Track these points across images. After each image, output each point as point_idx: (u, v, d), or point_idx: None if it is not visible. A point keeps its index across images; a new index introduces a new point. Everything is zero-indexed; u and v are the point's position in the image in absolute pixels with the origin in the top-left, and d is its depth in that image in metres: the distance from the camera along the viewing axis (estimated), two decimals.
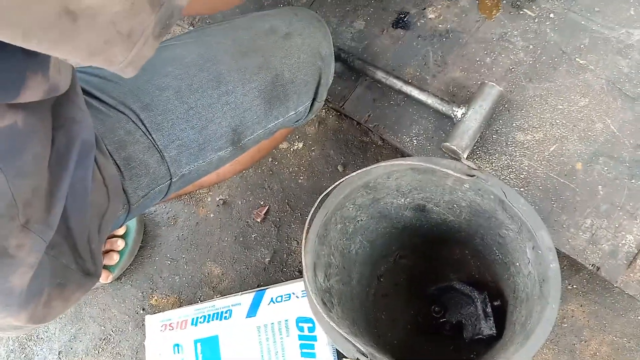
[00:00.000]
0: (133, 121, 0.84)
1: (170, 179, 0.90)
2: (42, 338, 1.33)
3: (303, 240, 0.89)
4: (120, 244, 1.27)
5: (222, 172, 1.11)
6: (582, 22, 1.13)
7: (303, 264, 0.88)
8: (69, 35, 0.48)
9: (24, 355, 1.32)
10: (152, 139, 0.85)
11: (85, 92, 0.83)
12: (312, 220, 0.91)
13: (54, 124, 0.67)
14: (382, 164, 0.91)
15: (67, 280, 0.76)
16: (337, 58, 1.22)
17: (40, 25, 0.46)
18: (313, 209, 0.89)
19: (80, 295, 0.81)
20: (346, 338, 0.82)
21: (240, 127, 0.92)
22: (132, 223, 1.30)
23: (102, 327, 1.30)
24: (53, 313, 0.78)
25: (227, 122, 0.90)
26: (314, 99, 1.01)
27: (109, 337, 1.29)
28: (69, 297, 0.78)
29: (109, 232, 0.85)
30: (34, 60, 0.56)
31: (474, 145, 1.09)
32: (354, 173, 0.92)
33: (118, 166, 0.82)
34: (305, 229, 0.89)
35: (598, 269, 0.98)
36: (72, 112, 0.70)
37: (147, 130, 0.84)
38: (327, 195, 0.92)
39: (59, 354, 1.30)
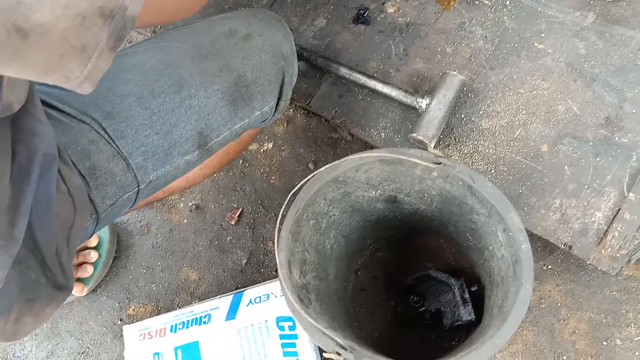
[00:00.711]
0: (95, 130, 0.83)
1: (138, 186, 0.89)
2: (18, 356, 1.31)
3: (275, 239, 0.89)
4: (93, 255, 1.25)
5: (192, 177, 1.11)
6: (538, 9, 1.15)
7: (277, 262, 0.88)
8: (21, 53, 0.47)
9: None
10: (116, 147, 0.84)
11: (45, 103, 0.82)
12: (283, 218, 0.91)
13: (14, 137, 0.67)
14: (350, 157, 0.92)
15: (37, 295, 0.75)
16: (300, 57, 1.22)
17: None
18: (284, 206, 0.89)
19: (52, 310, 0.80)
20: (324, 333, 0.82)
21: (206, 130, 0.92)
22: (105, 234, 1.28)
23: (80, 341, 1.29)
24: (25, 330, 0.77)
25: (192, 126, 0.90)
26: (279, 98, 1.01)
27: (87, 350, 1.28)
28: (39, 312, 0.77)
29: (78, 244, 0.84)
30: None
31: (441, 135, 1.11)
32: (323, 168, 0.92)
33: (83, 176, 0.81)
34: (277, 227, 0.89)
35: (570, 247, 1.00)
36: (31, 124, 0.69)
37: (111, 138, 0.84)
38: (298, 192, 0.92)
39: None
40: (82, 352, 1.28)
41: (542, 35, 1.13)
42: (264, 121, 1.02)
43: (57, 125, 0.80)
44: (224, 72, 0.91)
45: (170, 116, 0.88)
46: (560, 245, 1.00)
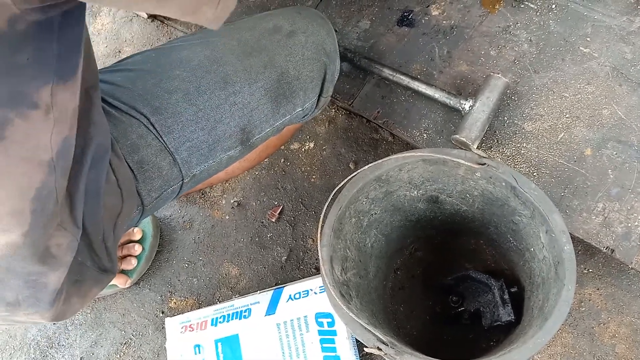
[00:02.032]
0: (144, 125, 0.86)
1: (182, 179, 0.92)
2: (63, 345, 1.34)
3: (318, 235, 0.91)
4: (137, 249, 1.28)
5: (231, 170, 1.12)
6: (584, 13, 1.15)
7: (320, 257, 0.90)
8: (165, 1, 0.54)
9: None
10: (163, 142, 0.87)
11: None
12: (326, 214, 0.92)
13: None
14: (394, 156, 0.93)
15: (84, 277, 0.79)
16: (344, 58, 1.24)
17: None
18: (327, 203, 0.90)
19: (97, 291, 0.84)
20: (366, 328, 0.83)
21: (249, 127, 0.94)
22: (148, 228, 1.31)
23: (123, 332, 1.32)
24: (72, 309, 0.81)
25: (236, 122, 0.92)
26: (320, 95, 1.02)
27: (130, 341, 1.31)
28: (86, 293, 0.81)
29: (124, 231, 0.87)
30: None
31: (483, 137, 1.11)
32: (366, 167, 0.93)
33: (131, 169, 0.84)
34: (320, 223, 0.91)
35: (612, 251, 0.99)
36: (91, 114, 0.73)
37: (159, 133, 0.87)
38: (341, 189, 0.94)
39: (80, 359, 1.32)
40: (125, 343, 1.31)
41: (588, 39, 1.13)
42: (304, 117, 1.04)
43: (109, 118, 0.83)
44: (267, 68, 0.93)
45: (215, 112, 0.90)
46: (602, 248, 1.00)
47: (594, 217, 1.02)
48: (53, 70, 0.57)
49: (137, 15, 1.61)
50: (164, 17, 1.57)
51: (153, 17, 1.58)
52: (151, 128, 0.86)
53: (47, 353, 1.35)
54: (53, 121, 0.60)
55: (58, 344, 1.35)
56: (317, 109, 1.05)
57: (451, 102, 1.12)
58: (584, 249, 1.11)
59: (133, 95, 0.87)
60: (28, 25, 0.51)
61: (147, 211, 0.91)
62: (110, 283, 1.26)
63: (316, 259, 1.25)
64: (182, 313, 1.25)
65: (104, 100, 0.85)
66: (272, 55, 0.94)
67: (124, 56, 0.99)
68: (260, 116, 0.95)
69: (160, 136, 0.87)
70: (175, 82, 0.89)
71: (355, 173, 0.93)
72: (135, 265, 1.29)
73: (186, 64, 0.91)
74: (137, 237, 1.30)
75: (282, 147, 1.36)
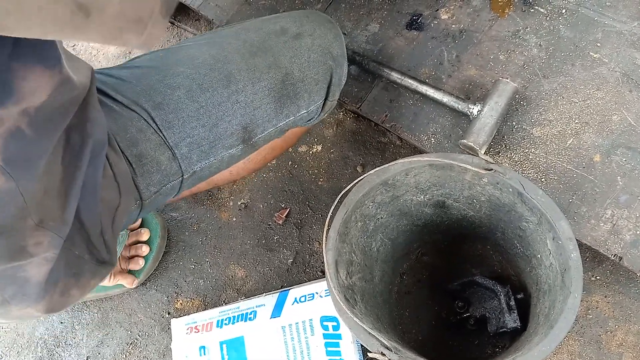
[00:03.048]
0: (145, 119, 0.87)
1: (182, 175, 0.92)
2: (70, 344, 1.35)
3: (324, 238, 0.90)
4: (144, 249, 1.29)
5: (236, 171, 1.12)
6: (595, 18, 1.14)
7: (325, 261, 0.89)
8: (83, 28, 0.51)
9: None
10: (163, 137, 0.88)
11: (100, 91, 0.86)
12: (332, 218, 0.92)
13: (70, 123, 0.70)
14: (400, 161, 0.93)
15: (82, 270, 0.80)
16: (353, 61, 1.24)
17: (56, 24, 0.49)
18: (333, 206, 0.90)
19: (97, 282, 0.85)
20: (370, 333, 0.83)
21: (251, 125, 0.94)
22: (156, 229, 1.32)
23: (129, 332, 1.32)
24: (71, 301, 0.81)
25: (238, 120, 0.93)
26: (326, 98, 1.02)
27: (136, 341, 1.31)
28: (84, 285, 0.82)
29: (122, 225, 0.87)
30: (32, 55, 0.59)
31: (492, 142, 1.11)
32: (373, 171, 0.93)
33: (130, 163, 0.85)
34: (326, 227, 0.91)
35: (621, 259, 0.99)
36: (88, 112, 0.73)
37: (159, 128, 0.88)
38: (347, 193, 0.93)
39: (87, 359, 1.33)
40: (131, 343, 1.31)
41: (598, 44, 1.12)
42: (309, 120, 1.04)
43: (109, 112, 0.84)
44: (272, 69, 0.94)
45: (217, 110, 0.91)
46: (610, 256, 0.99)
47: (602, 224, 1.01)
48: None
49: None
50: (173, 18, 1.58)
51: None
52: (151, 122, 0.87)
53: (54, 352, 1.36)
54: None
55: (65, 343, 1.36)
56: (323, 112, 1.04)
57: (459, 106, 1.12)
58: (592, 256, 1.10)
59: (136, 91, 0.88)
60: None
61: (146, 206, 0.92)
62: (117, 283, 1.27)
63: (322, 262, 1.25)
64: (188, 314, 1.25)
65: (107, 94, 0.86)
66: (277, 56, 0.95)
67: (133, 57, 1.00)
68: (263, 116, 0.95)
69: (160, 131, 0.88)
70: (178, 78, 0.90)
71: (361, 177, 0.93)
72: (142, 265, 1.29)
73: (190, 62, 0.93)
74: (145, 237, 1.31)
75: (290, 149, 1.36)
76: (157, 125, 0.87)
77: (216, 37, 0.98)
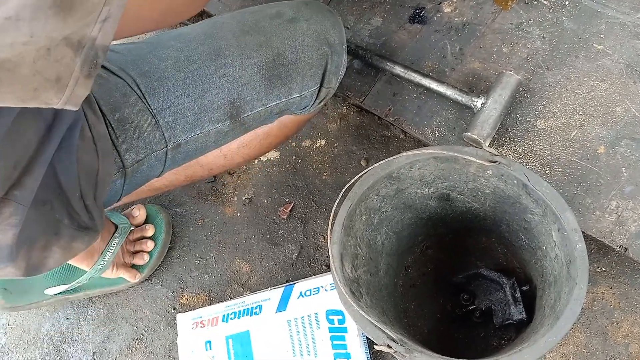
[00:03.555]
0: (129, 85, 0.88)
1: (167, 146, 0.93)
2: (76, 340, 1.35)
3: (329, 232, 0.91)
4: (149, 244, 1.29)
5: (230, 155, 1.11)
6: (598, 9, 1.14)
7: (330, 254, 0.89)
8: None
9: (58, 357, 1.35)
10: (146, 103, 0.89)
11: None
12: (337, 211, 0.92)
13: None
14: (405, 154, 0.93)
15: (61, 232, 0.80)
16: (356, 55, 1.24)
17: None
18: (337, 200, 0.90)
19: (81, 247, 0.85)
20: (376, 325, 0.83)
21: (239, 101, 0.95)
22: (160, 224, 1.32)
23: (135, 327, 1.33)
24: (54, 258, 0.82)
25: (224, 94, 0.94)
26: (321, 85, 1.02)
27: (142, 336, 1.32)
28: (67, 246, 0.82)
29: (106, 191, 0.88)
30: None
31: (496, 134, 1.11)
32: (377, 164, 0.93)
33: (112, 127, 0.86)
34: (331, 220, 0.91)
35: (626, 250, 0.99)
36: None
37: (143, 94, 0.89)
38: (352, 186, 0.93)
39: (93, 354, 1.33)
40: (137, 339, 1.32)
41: (602, 36, 1.12)
42: (304, 108, 1.04)
43: (95, 78, 0.84)
44: (262, 47, 0.94)
45: (204, 82, 0.92)
46: (615, 247, 0.99)
47: (607, 216, 1.01)
48: None
49: None
50: None
51: None
52: (135, 88, 0.89)
53: (60, 348, 1.36)
54: None
55: (71, 338, 1.36)
56: (318, 100, 1.04)
57: (463, 99, 1.12)
58: (597, 248, 1.10)
59: (126, 60, 0.90)
60: None
61: (130, 175, 0.92)
62: (120, 276, 1.27)
63: (327, 256, 1.25)
64: (194, 309, 1.25)
65: None
66: (269, 36, 0.95)
67: None
68: (252, 93, 0.95)
69: (144, 97, 0.89)
70: (167, 51, 0.92)
71: (365, 171, 0.93)
72: (147, 261, 1.29)
73: (182, 37, 0.95)
74: (150, 233, 1.31)
75: (294, 144, 1.36)
76: (141, 91, 0.89)
77: (214, 19, 1.00)
